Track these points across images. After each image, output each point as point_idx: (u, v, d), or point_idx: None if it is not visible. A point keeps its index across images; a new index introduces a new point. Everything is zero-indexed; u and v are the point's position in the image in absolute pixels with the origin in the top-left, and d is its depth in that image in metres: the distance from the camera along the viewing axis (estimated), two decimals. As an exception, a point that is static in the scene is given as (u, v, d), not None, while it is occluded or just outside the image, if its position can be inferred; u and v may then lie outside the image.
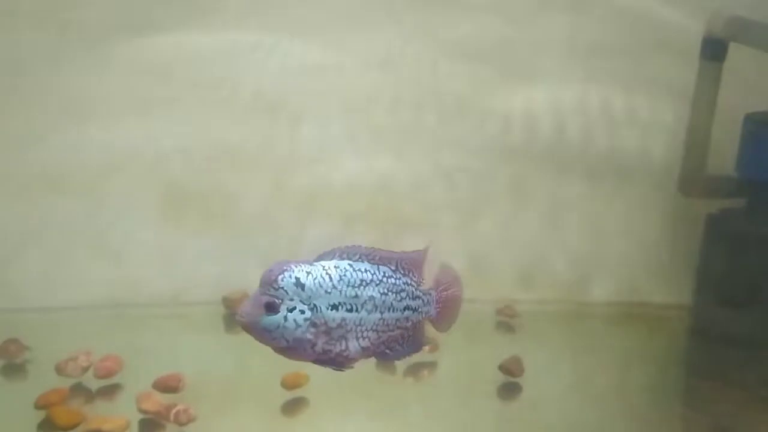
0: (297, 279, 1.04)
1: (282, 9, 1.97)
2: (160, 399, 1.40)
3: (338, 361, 1.08)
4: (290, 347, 1.04)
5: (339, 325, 1.06)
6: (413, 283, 1.13)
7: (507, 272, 2.11)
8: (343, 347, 1.07)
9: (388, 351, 1.13)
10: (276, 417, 1.49)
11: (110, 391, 1.54)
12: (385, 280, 1.10)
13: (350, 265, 1.08)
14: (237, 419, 1.48)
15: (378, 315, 1.09)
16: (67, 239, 1.90)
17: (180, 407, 1.36)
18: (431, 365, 1.72)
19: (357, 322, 1.08)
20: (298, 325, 1.03)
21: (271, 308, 1.03)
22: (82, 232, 1.91)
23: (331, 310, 1.06)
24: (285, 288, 1.03)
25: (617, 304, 2.13)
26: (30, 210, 1.88)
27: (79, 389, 1.52)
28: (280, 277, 1.04)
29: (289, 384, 1.52)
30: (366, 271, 1.09)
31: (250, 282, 1.96)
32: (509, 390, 1.62)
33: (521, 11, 2.06)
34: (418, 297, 1.14)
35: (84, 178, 1.91)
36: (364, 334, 1.09)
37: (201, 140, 1.97)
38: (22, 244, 1.89)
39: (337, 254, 1.09)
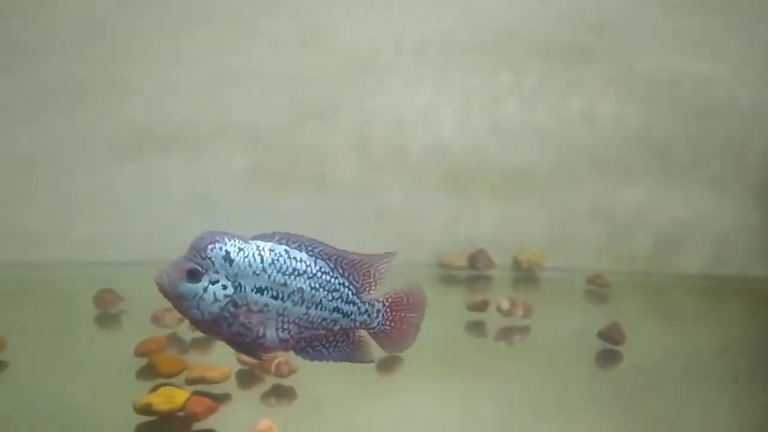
0: (227, 253, 1.00)
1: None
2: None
3: (252, 348, 1.03)
4: (204, 321, 1.00)
5: (260, 310, 1.01)
6: (351, 286, 1.08)
7: (596, 242, 2.06)
8: (260, 334, 1.02)
9: (309, 349, 1.08)
10: (373, 375, 1.46)
11: (204, 342, 1.53)
12: (319, 275, 1.05)
13: (286, 251, 1.03)
14: (334, 374, 1.45)
15: (303, 309, 1.04)
16: (163, 196, 1.91)
17: (281, 359, 1.34)
18: (523, 330, 1.67)
19: (280, 311, 1.03)
20: (216, 300, 0.99)
21: (193, 276, 0.99)
22: (178, 189, 1.92)
23: (256, 292, 1.01)
24: (212, 259, 0.99)
25: (711, 277, 2.06)
26: (133, 167, 1.89)
27: (174, 339, 1.51)
28: (209, 246, 1.00)
29: (385, 342, 1.49)
30: (301, 261, 1.04)
31: (335, 240, 1.98)
32: (609, 357, 1.56)
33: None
34: (354, 303, 1.07)
35: (182, 139, 1.92)
36: (285, 326, 1.04)
37: (293, 98, 1.95)
38: (123, 200, 1.91)
39: (276, 238, 1.04)
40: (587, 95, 2.02)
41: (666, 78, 2.02)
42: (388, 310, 1.10)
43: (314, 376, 1.40)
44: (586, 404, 1.39)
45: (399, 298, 1.11)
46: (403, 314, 1.11)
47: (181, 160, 1.92)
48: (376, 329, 1.10)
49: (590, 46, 2.00)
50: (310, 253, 1.06)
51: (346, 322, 1.07)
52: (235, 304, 1.00)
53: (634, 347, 1.57)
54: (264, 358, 1.08)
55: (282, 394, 1.33)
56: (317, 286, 1.04)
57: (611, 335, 1.56)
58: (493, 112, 2.01)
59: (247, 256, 1.01)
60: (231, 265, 1.00)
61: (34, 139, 1.85)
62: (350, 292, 1.07)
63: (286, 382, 1.35)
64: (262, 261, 1.01)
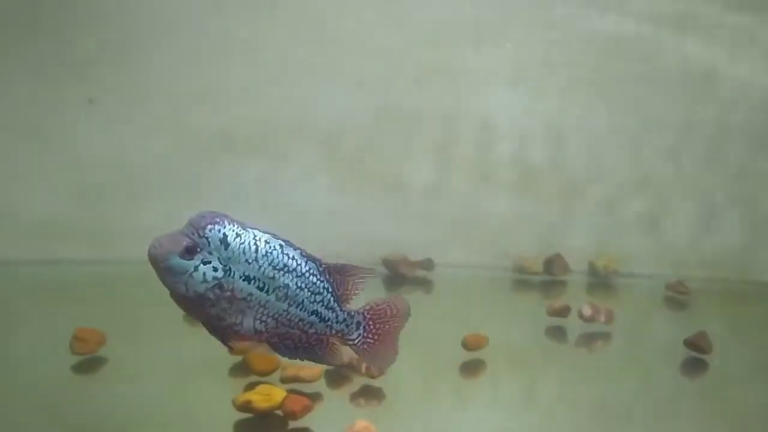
0: (225, 236, 1.00)
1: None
2: (351, 352, 1.40)
3: (226, 333, 1.03)
4: (187, 298, 1.00)
5: (244, 299, 1.01)
6: (334, 293, 1.07)
7: (676, 248, 2.03)
8: (238, 321, 1.02)
9: (281, 345, 1.07)
10: (457, 378, 1.48)
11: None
12: (307, 275, 1.05)
13: (281, 246, 1.03)
14: (420, 377, 1.47)
15: (285, 305, 1.04)
16: (240, 195, 1.95)
17: (371, 360, 1.35)
18: (605, 336, 1.66)
19: (262, 303, 1.02)
20: (205, 280, 0.99)
21: (190, 252, 0.99)
22: (254, 188, 1.96)
23: (244, 280, 1.01)
24: (209, 239, 0.99)
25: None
26: (215, 168, 1.94)
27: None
28: (209, 226, 0.99)
29: (470, 345, 1.50)
30: (293, 258, 1.04)
31: (410, 245, 1.99)
32: (696, 366, 1.55)
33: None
34: (334, 310, 1.07)
35: (252, 133, 1.95)
36: (264, 319, 1.03)
37: (373, 105, 1.97)
38: (208, 200, 1.96)
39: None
40: (666, 101, 2.00)
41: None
42: (370, 323, 1.09)
43: (401, 378, 1.42)
44: (674, 414, 1.38)
45: (381, 311, 1.10)
46: (387, 327, 1.10)
47: (262, 162, 1.96)
48: (356, 342, 1.09)
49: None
50: (303, 252, 1.06)
51: (322, 328, 1.07)
52: (221, 288, 1.00)
53: (721, 356, 1.55)
54: (232, 346, 1.08)
55: (371, 394, 1.35)
56: (303, 285, 1.05)
57: (698, 344, 1.54)
58: (575, 116, 2.00)
59: (243, 243, 1.01)
60: (226, 248, 1.00)
61: (126, 139, 1.90)
62: (332, 299, 1.07)
63: (375, 383, 1.37)
64: (256, 250, 1.02)
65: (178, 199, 1.94)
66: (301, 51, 1.93)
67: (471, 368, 1.48)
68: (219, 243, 1.00)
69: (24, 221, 1.91)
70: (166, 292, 1.78)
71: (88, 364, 1.40)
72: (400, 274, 1.96)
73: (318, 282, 1.06)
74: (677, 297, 1.91)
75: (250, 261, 1.01)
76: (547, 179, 2.02)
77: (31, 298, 1.78)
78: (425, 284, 1.96)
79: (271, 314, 1.04)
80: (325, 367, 1.39)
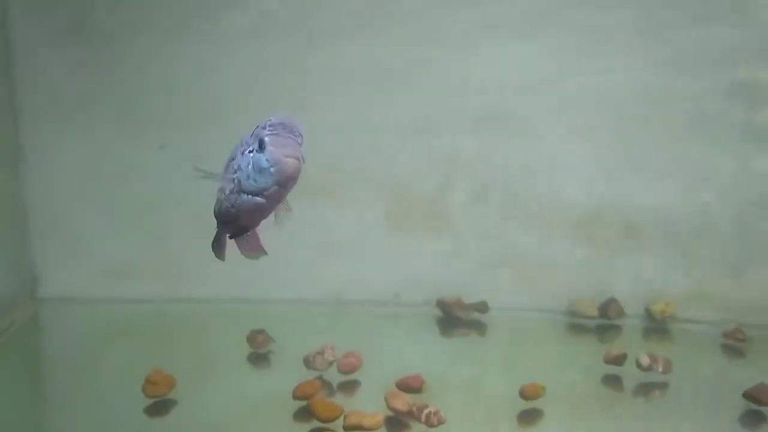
0: None
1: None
2: (410, 399, 1.44)
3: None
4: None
5: None
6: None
7: (734, 294, 2.02)
8: None
9: None
10: (513, 426, 1.50)
11: (351, 386, 1.61)
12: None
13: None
14: (477, 425, 1.50)
15: None
16: (299, 237, 2.01)
17: (431, 408, 1.39)
18: (662, 386, 1.67)
19: None
20: None
21: None
22: (312, 231, 2.01)
23: None
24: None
25: None
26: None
27: (323, 382, 1.59)
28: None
29: (527, 395, 1.52)
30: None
31: (465, 286, 2.02)
32: (755, 419, 1.54)
33: None
34: None
35: (316, 180, 2.01)
36: None
37: (425, 146, 2.02)
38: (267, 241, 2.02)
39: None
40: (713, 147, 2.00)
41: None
42: None
43: (462, 427, 1.45)
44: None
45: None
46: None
47: (320, 206, 2.01)
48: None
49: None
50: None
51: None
52: None
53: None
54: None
55: (431, 443, 1.39)
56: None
57: (758, 396, 1.53)
58: (629, 155, 2.01)
59: None
60: None
61: (192, 183, 1.98)
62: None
63: (432, 431, 1.40)
64: None
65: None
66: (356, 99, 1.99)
67: (529, 418, 1.50)
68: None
69: (97, 261, 2.01)
70: (223, 331, 1.87)
71: (161, 407, 1.47)
72: (454, 317, 1.99)
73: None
74: (735, 344, 1.89)
75: None
76: (602, 221, 2.03)
77: (102, 338, 1.86)
78: (479, 327, 1.98)
79: None
80: (386, 414, 1.43)
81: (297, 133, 0.98)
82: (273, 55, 1.95)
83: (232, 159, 1.03)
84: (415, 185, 2.03)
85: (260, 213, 1.03)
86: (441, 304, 2.01)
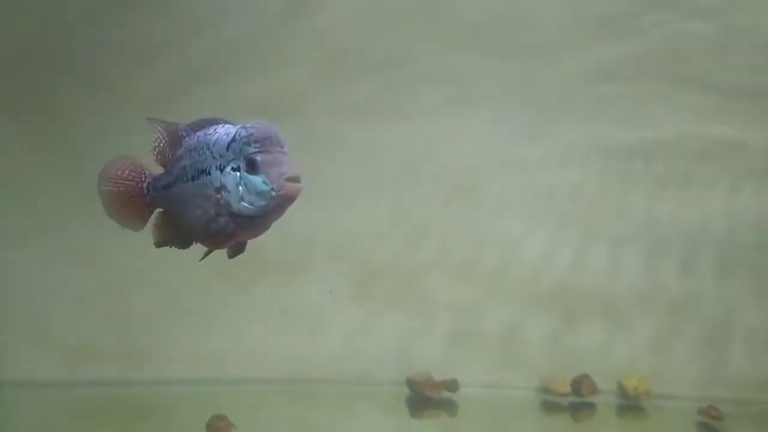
0: None
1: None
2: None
3: None
4: None
5: None
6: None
7: (705, 368, 1.99)
8: None
9: None
10: None
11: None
12: None
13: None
14: None
15: None
16: (267, 315, 1.98)
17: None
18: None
19: None
20: None
21: None
22: (281, 307, 1.98)
23: None
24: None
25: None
26: (234, 288, 1.97)
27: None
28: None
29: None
30: None
31: (434, 363, 1.98)
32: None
33: None
34: None
35: (282, 256, 1.99)
36: None
37: (393, 221, 2.01)
38: (222, 318, 1.99)
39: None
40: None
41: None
42: None
43: None
44: None
45: None
46: None
47: (291, 281, 1.98)
48: None
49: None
50: None
51: None
52: None
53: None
54: None
55: None
56: None
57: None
58: (602, 234, 2.00)
59: None
60: None
61: (159, 263, 1.96)
62: None
63: None
64: None
65: (195, 317, 1.98)
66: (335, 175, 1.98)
67: None
68: None
69: (59, 343, 1.97)
70: (193, 411, 1.82)
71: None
72: (424, 396, 1.95)
73: None
74: (710, 422, 1.85)
75: None
76: (573, 298, 2.01)
77: (63, 422, 1.81)
78: (450, 406, 1.94)
79: None
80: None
81: (283, 145, 0.92)
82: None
83: (203, 171, 0.94)
84: (384, 261, 2.01)
85: (255, 234, 0.97)
86: (410, 383, 1.97)
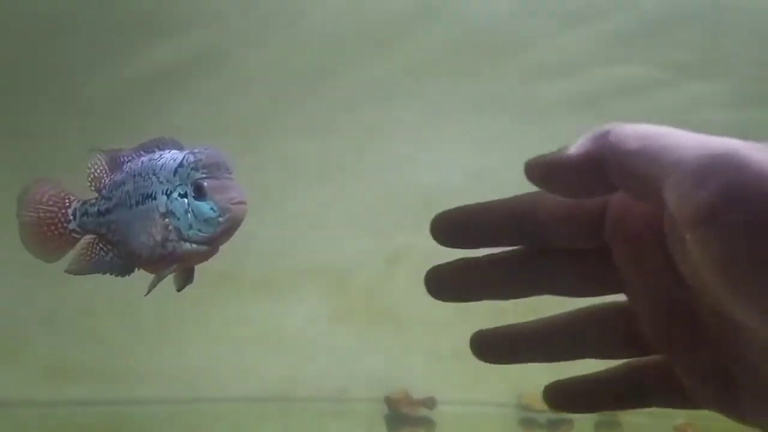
0: None
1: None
2: None
3: None
4: None
5: None
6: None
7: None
8: None
9: None
10: None
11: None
12: None
13: None
14: None
15: None
16: (240, 333, 1.99)
17: None
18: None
19: None
20: None
21: None
22: (257, 326, 1.99)
23: None
24: None
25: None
26: (215, 308, 1.98)
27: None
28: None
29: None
30: None
31: (413, 381, 1.98)
32: None
33: None
34: None
35: (258, 275, 2.00)
36: None
37: (371, 239, 2.02)
38: (199, 337, 1.99)
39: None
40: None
41: None
42: None
43: None
44: None
45: None
46: None
47: (266, 301, 1.99)
48: None
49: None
50: None
51: None
52: None
53: None
54: None
55: None
56: None
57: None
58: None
59: None
60: None
61: (134, 282, 1.96)
62: None
63: None
64: None
65: (182, 340, 1.98)
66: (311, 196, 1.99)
67: None
68: None
69: (34, 362, 1.96)
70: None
71: None
72: (401, 414, 1.95)
73: None
74: (685, 441, 1.85)
75: None
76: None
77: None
78: (428, 424, 1.94)
79: None
80: None
81: (231, 171, 0.91)
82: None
83: (149, 196, 0.92)
84: (361, 279, 2.02)
85: (204, 258, 0.96)
86: (388, 401, 1.97)
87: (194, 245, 0.91)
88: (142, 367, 1.95)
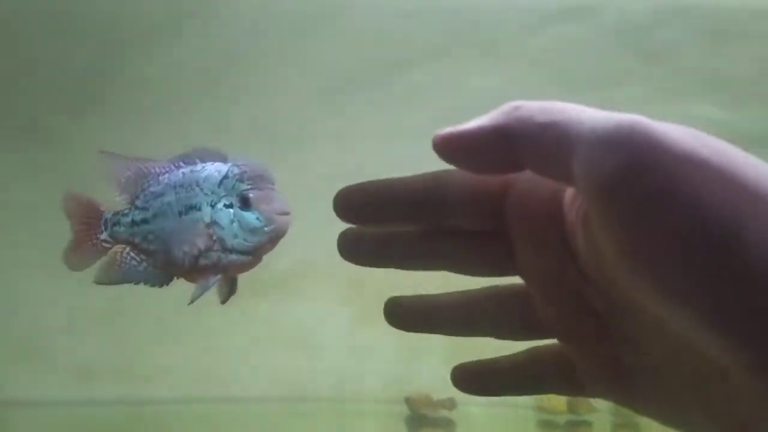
0: None
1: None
2: None
3: None
4: None
5: None
6: None
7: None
8: None
9: None
10: None
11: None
12: None
13: None
14: None
15: None
16: (261, 333, 2.00)
17: None
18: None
19: None
20: None
21: None
22: (277, 327, 2.00)
23: None
24: None
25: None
26: (233, 309, 1.99)
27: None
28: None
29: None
30: None
31: (433, 383, 1.99)
32: None
33: None
34: None
35: (279, 276, 2.01)
36: None
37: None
38: (219, 337, 2.01)
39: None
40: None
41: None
42: None
43: None
44: None
45: None
46: None
47: (286, 301, 2.00)
48: None
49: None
50: None
51: None
52: None
53: None
54: None
55: None
56: None
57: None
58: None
59: None
60: None
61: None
62: None
63: None
64: None
65: (202, 340, 1.99)
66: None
67: None
68: None
69: (61, 363, 1.98)
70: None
71: None
72: (422, 415, 1.96)
73: None
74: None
75: None
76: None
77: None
78: (448, 425, 1.95)
79: None
80: None
81: (274, 182, 0.90)
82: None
83: (193, 207, 0.91)
84: (380, 278, 2.03)
85: (248, 268, 0.98)
86: (408, 402, 1.98)
87: (238, 255, 0.93)
88: (165, 367, 1.97)
